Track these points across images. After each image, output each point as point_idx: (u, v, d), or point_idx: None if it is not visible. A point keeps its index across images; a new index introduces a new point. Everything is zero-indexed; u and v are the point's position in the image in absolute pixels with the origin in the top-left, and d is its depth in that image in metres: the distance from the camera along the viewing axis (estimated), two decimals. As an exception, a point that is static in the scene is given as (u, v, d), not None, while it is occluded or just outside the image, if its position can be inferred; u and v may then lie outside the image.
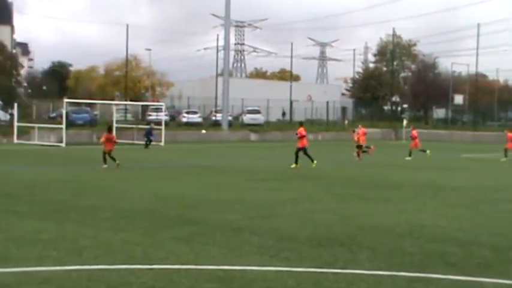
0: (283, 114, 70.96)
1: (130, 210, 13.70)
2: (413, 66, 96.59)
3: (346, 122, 72.34)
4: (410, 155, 32.97)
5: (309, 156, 26.18)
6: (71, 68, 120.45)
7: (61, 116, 52.35)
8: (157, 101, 75.09)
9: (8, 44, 61.70)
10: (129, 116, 60.40)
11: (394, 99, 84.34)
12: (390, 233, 11.57)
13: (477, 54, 67.33)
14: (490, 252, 10.11)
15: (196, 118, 61.04)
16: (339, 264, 9.06)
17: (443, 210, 14.79)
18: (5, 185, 18.42)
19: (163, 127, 45.23)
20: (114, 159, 24.43)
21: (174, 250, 9.79)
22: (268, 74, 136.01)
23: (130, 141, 43.99)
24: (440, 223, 12.83)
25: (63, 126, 41.01)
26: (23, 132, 43.68)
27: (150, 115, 58.13)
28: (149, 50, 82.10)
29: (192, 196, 16.44)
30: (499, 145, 37.00)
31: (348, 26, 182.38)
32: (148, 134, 41.34)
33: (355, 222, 12.71)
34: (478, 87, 75.63)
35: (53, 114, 60.18)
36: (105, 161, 24.42)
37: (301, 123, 28.04)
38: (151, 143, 40.94)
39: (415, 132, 34.28)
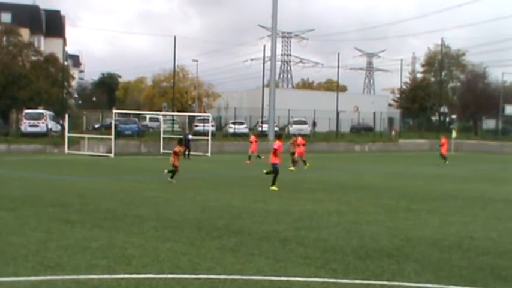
0: (314, 124, 69.58)
1: (177, 220, 13.83)
2: (462, 77, 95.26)
3: (393, 132, 71.68)
4: (294, 163, 32.21)
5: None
6: (120, 79, 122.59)
7: (105, 127, 53.31)
8: (204, 112, 75.72)
9: (59, 56, 63.01)
10: (176, 127, 61.02)
11: (442, 109, 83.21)
12: (438, 245, 11.42)
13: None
14: (542, 266, 9.90)
15: (242, 129, 61.29)
16: (386, 276, 8.98)
17: (494, 223, 14.53)
18: (57, 194, 18.78)
19: (209, 138, 45.55)
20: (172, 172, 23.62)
21: (220, 260, 9.85)
22: (315, 84, 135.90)
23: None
24: (491, 235, 12.61)
25: (112, 136, 41.64)
26: (73, 143, 44.52)
27: (196, 126, 58.63)
28: (196, 61, 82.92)
29: (239, 206, 16.50)
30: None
31: (397, 36, 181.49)
32: (187, 143, 41.36)
33: (403, 233, 12.58)
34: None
35: (97, 125, 61.17)
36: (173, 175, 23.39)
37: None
38: (190, 152, 41.04)
39: (301, 140, 33.04)
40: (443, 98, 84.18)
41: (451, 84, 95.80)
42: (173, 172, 23.39)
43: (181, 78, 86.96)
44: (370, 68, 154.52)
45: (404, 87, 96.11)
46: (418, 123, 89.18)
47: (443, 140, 39.55)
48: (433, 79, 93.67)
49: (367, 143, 60.18)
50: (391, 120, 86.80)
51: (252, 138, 36.37)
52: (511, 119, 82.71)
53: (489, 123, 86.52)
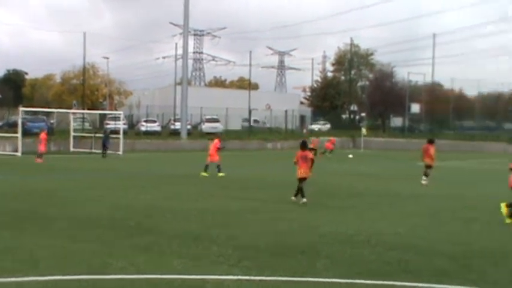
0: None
1: (88, 220, 13.52)
2: (370, 76, 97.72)
3: (304, 130, 72.69)
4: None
5: None
6: (27, 76, 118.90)
7: (8, 125, 51.50)
8: (116, 110, 74.48)
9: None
10: (86, 125, 59.70)
11: (352, 108, 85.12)
12: (350, 241, 11.64)
13: (433, 64, 68.53)
14: (447, 259, 10.24)
15: (155, 127, 60.75)
16: (299, 273, 9.07)
17: (402, 219, 14.94)
18: (-41, 195, 18.01)
19: (121, 136, 44.82)
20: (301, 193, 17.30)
21: (133, 259, 9.68)
22: (227, 82, 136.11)
23: (88, 150, 43.47)
24: (399, 231, 12.95)
25: (19, 134, 40.30)
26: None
27: (108, 124, 57.63)
28: (107, 58, 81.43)
29: (151, 205, 16.29)
30: (455, 153, 37.61)
31: (309, 35, 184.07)
32: (104, 142, 40.66)
33: (316, 230, 12.75)
34: (434, 96, 76.83)
35: (0, 123, 58.86)
36: (301, 194, 17.29)
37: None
38: (107, 151, 40.29)
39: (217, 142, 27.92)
40: (353, 97, 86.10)
41: (360, 83, 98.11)
42: (302, 190, 17.29)
43: (92, 76, 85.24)
44: (281, 67, 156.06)
45: (315, 85, 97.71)
46: (329, 121, 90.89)
47: (314, 140, 43.78)
48: (343, 78, 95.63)
49: (279, 141, 60.74)
50: (302, 118, 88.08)
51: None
52: (417, 117, 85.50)
53: (396, 121, 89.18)
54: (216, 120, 63.48)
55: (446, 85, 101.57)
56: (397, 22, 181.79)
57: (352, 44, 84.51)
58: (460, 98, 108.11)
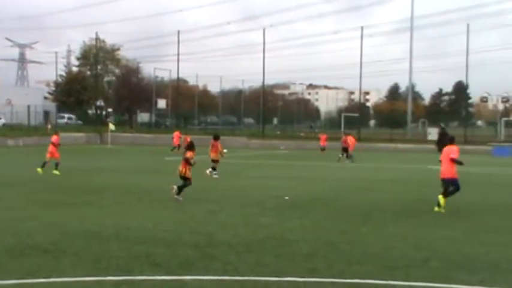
0: None
1: None
2: (117, 71, 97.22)
3: (49, 126, 70.03)
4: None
5: None
6: None
7: None
8: None
9: None
10: None
11: (98, 103, 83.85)
12: (96, 237, 11.46)
13: (178, 60, 69.95)
14: (192, 250, 10.54)
15: None
16: (43, 274, 8.71)
17: (150, 212, 15.06)
18: None
19: None
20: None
21: None
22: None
23: None
24: (146, 225, 13.04)
25: None
26: None
27: None
28: None
29: None
30: (201, 148, 38.88)
31: (53, 28, 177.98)
32: None
33: (60, 228, 12.36)
34: (180, 92, 78.66)
35: None
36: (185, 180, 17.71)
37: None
38: None
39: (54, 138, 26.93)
40: (99, 92, 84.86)
41: (106, 78, 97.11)
42: (183, 187, 17.62)
43: None
44: (23, 60, 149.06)
45: (60, 80, 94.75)
46: (75, 116, 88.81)
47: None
48: (89, 73, 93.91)
49: (21, 137, 57.89)
50: (46, 113, 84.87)
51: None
52: (163, 113, 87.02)
53: (144, 117, 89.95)
54: None
55: (192, 81, 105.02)
56: (142, 18, 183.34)
57: (97, 39, 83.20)
58: (205, 94, 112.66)
